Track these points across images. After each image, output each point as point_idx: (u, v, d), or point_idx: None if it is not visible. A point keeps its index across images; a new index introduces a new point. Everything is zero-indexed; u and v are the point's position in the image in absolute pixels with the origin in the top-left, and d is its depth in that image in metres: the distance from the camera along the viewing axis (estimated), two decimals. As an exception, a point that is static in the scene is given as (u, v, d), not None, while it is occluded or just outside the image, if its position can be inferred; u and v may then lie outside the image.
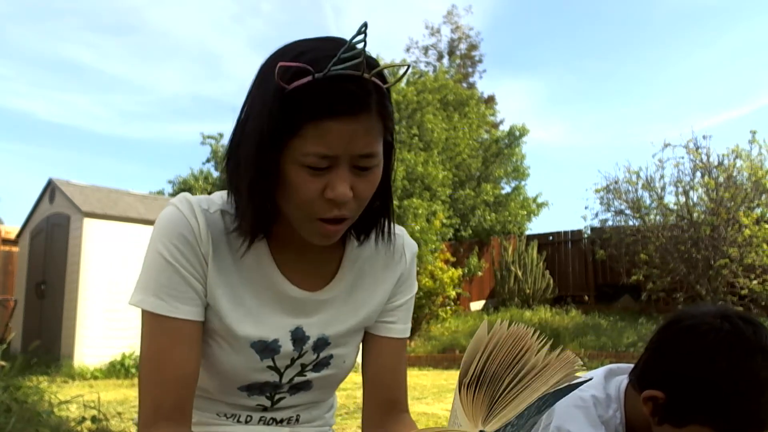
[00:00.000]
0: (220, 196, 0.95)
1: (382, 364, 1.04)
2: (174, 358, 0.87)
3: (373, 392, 1.04)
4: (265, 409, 1.01)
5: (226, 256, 0.92)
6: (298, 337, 0.96)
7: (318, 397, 1.04)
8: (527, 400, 0.58)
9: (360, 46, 0.76)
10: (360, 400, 1.06)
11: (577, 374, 0.63)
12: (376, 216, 0.95)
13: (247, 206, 0.86)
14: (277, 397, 1.00)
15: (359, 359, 1.06)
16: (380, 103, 0.81)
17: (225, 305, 0.91)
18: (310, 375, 0.99)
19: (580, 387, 1.14)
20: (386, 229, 0.97)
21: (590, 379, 0.63)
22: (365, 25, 0.76)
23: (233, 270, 0.92)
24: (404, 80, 16.19)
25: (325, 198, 0.82)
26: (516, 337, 0.63)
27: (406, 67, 0.85)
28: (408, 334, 1.06)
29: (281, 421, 1.02)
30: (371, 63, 0.80)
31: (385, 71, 0.83)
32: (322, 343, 0.98)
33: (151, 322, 0.88)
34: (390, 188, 0.94)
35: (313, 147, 0.78)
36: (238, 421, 1.00)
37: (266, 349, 0.94)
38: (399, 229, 1.06)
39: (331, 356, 1.00)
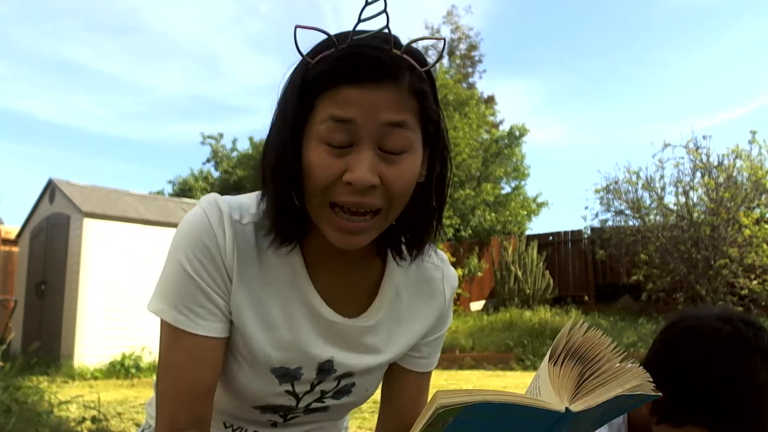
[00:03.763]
0: (256, 203, 0.85)
1: (404, 396, 0.98)
2: (191, 376, 0.81)
3: (389, 422, 0.99)
4: (275, 425, 0.96)
5: (255, 273, 0.83)
6: (326, 368, 0.89)
7: (331, 417, 0.99)
8: (606, 394, 0.60)
9: (381, 6, 0.71)
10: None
11: (650, 388, 0.65)
12: (425, 227, 0.83)
13: (269, 194, 0.78)
14: (290, 416, 0.95)
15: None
16: (414, 80, 0.73)
17: (252, 327, 0.84)
18: (329, 402, 0.94)
19: None
20: (426, 244, 0.85)
21: (660, 395, 0.64)
22: None
23: (262, 288, 0.84)
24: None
25: (344, 182, 0.72)
26: (593, 343, 0.65)
27: (443, 41, 0.76)
28: (433, 367, 0.99)
29: None
30: (399, 42, 0.74)
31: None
32: (346, 375, 0.92)
33: (171, 335, 0.82)
34: (444, 197, 0.82)
35: (327, 111, 0.71)
36: None
37: (287, 375, 0.88)
38: (440, 260, 0.95)
39: (353, 384, 0.93)
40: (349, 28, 0.75)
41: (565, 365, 0.62)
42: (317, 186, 0.73)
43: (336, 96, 0.71)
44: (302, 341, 0.86)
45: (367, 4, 0.71)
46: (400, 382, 0.97)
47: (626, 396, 0.63)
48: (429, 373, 0.99)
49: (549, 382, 0.61)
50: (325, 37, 0.74)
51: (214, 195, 0.85)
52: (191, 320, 0.81)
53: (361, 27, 0.73)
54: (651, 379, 0.66)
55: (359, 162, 0.71)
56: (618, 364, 0.65)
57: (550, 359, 0.64)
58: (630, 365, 0.65)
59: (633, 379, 0.64)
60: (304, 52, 0.74)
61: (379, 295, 0.90)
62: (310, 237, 0.84)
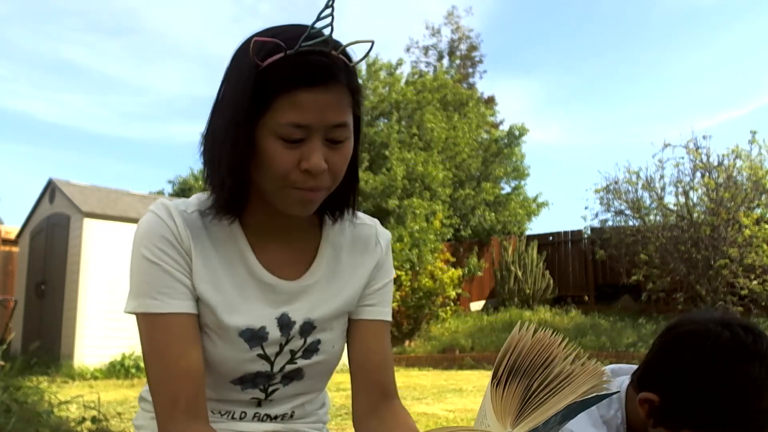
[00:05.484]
0: (197, 198, 0.98)
1: (366, 346, 1.05)
2: (175, 352, 0.89)
3: (361, 377, 1.05)
4: (259, 403, 1.01)
5: (209, 251, 0.95)
6: (284, 323, 0.98)
7: (311, 386, 1.06)
8: (555, 406, 0.58)
9: (327, 21, 0.82)
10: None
11: (605, 386, 0.62)
12: (346, 191, 0.98)
13: (225, 180, 0.89)
14: (270, 388, 1.01)
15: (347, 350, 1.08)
16: (349, 77, 0.86)
17: (212, 297, 0.94)
18: (301, 362, 1.01)
19: None
20: (353, 204, 1.01)
21: (618, 392, 0.62)
22: None
23: (217, 263, 0.95)
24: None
25: (300, 169, 0.85)
26: (543, 345, 0.63)
27: (370, 43, 0.86)
28: (389, 318, 1.09)
29: (275, 417, 1.03)
30: (337, 43, 0.86)
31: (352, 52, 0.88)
32: (308, 327, 1.00)
33: (148, 322, 0.91)
34: (357, 163, 0.97)
35: (287, 117, 0.83)
36: (232, 418, 1.01)
37: (254, 337, 0.96)
38: (372, 220, 1.11)
39: (318, 341, 1.01)
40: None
41: (509, 385, 0.59)
42: (276, 174, 0.86)
43: (293, 100, 0.82)
44: (254, 306, 0.97)
45: (318, 18, 0.82)
46: (361, 333, 1.06)
47: (581, 401, 0.59)
48: (387, 325, 1.08)
49: (491, 406, 0.58)
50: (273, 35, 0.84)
51: (160, 199, 0.97)
52: (163, 302, 0.90)
53: (296, 19, 0.85)
54: (608, 377, 0.63)
55: (312, 152, 0.85)
56: (570, 366, 0.62)
57: (492, 380, 0.60)
58: (584, 362, 0.62)
59: (586, 382, 0.61)
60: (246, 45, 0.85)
61: (318, 256, 1.02)
62: (248, 213, 0.97)
